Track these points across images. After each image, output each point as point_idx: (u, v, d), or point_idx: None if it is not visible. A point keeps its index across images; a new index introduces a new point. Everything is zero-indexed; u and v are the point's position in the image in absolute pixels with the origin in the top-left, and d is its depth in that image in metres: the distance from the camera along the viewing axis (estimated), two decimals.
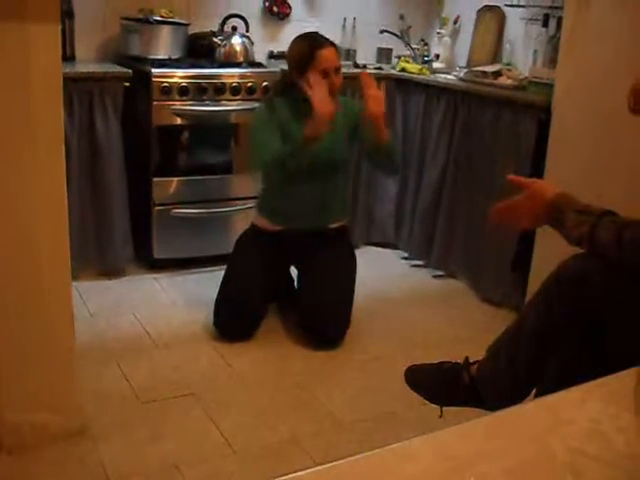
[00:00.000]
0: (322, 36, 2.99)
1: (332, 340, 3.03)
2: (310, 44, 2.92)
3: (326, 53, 2.90)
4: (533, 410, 0.83)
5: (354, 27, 4.35)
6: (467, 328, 3.26)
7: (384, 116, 2.83)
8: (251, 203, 3.56)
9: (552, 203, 1.65)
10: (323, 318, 3.00)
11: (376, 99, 2.79)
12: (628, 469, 0.71)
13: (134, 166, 3.54)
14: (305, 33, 3.04)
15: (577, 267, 1.71)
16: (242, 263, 3.12)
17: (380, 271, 3.94)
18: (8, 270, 2.07)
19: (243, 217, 3.59)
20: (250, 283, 3.04)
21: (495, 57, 4.06)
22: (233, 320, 3.03)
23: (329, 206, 3.10)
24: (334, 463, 0.71)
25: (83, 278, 3.45)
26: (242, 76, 3.62)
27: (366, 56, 4.39)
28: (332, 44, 2.96)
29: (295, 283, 3.30)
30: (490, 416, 0.81)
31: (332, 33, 4.28)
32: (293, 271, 3.31)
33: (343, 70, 4.09)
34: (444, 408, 2.10)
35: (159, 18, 3.63)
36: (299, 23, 4.16)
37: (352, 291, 3.14)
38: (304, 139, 2.75)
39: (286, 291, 3.34)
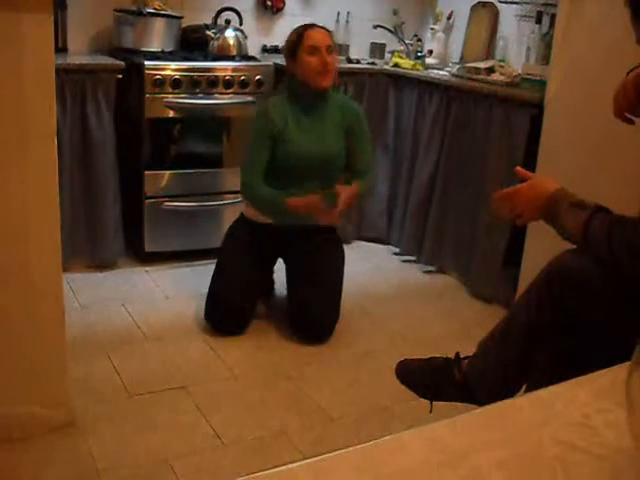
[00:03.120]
0: (315, 24, 3.04)
1: (321, 334, 3.03)
2: (300, 28, 2.99)
3: (315, 32, 2.95)
4: (524, 404, 0.84)
5: (347, 22, 4.35)
6: (458, 324, 3.27)
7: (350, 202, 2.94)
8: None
9: (550, 195, 1.66)
10: (312, 312, 3.00)
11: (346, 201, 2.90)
12: (617, 462, 0.72)
13: (126, 159, 3.53)
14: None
15: (568, 263, 1.72)
16: (233, 256, 3.12)
17: (371, 266, 3.94)
18: None
19: (234, 210, 3.58)
20: (240, 277, 3.04)
21: (488, 53, 4.06)
22: (223, 314, 3.03)
23: None
24: (324, 456, 0.71)
25: (74, 270, 3.44)
26: (235, 69, 3.61)
27: (359, 51, 4.39)
28: (324, 28, 3.01)
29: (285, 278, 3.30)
30: (481, 410, 0.81)
31: None
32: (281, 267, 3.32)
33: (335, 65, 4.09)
34: (434, 403, 2.11)
35: (152, 10, 3.62)
36: (293, 17, 4.15)
37: (340, 285, 3.13)
38: (287, 208, 2.88)
39: (271, 285, 3.38)
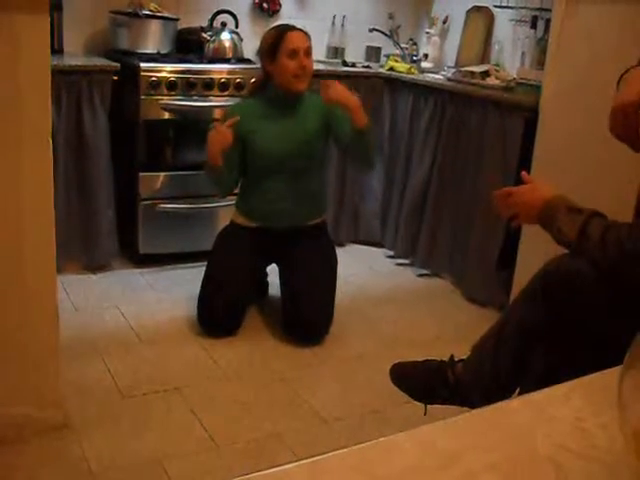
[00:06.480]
0: (294, 26, 3.06)
1: (315, 335, 3.03)
2: (279, 29, 3.01)
3: (295, 34, 2.96)
4: (518, 406, 0.84)
5: (343, 25, 4.35)
6: (452, 327, 3.27)
7: (353, 102, 2.85)
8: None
9: (549, 199, 1.68)
10: (305, 313, 3.00)
11: (329, 87, 2.86)
12: (610, 465, 0.72)
13: (121, 160, 3.53)
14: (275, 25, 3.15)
15: (563, 267, 1.73)
16: (222, 260, 3.12)
17: (365, 269, 3.95)
18: None
19: (229, 213, 3.58)
20: (230, 280, 3.04)
21: (483, 57, 4.08)
22: (215, 318, 3.03)
23: (303, 204, 3.11)
24: (318, 457, 0.71)
25: (68, 272, 3.43)
26: (231, 72, 3.61)
27: (355, 54, 4.40)
28: (302, 30, 3.02)
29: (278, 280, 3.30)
30: (475, 412, 0.81)
31: (321, 31, 4.30)
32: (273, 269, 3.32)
33: (331, 68, 4.12)
34: (428, 406, 2.12)
35: (148, 12, 3.62)
36: (289, 20, 4.14)
37: (334, 286, 3.14)
38: (209, 158, 2.94)
39: (265, 287, 3.40)
